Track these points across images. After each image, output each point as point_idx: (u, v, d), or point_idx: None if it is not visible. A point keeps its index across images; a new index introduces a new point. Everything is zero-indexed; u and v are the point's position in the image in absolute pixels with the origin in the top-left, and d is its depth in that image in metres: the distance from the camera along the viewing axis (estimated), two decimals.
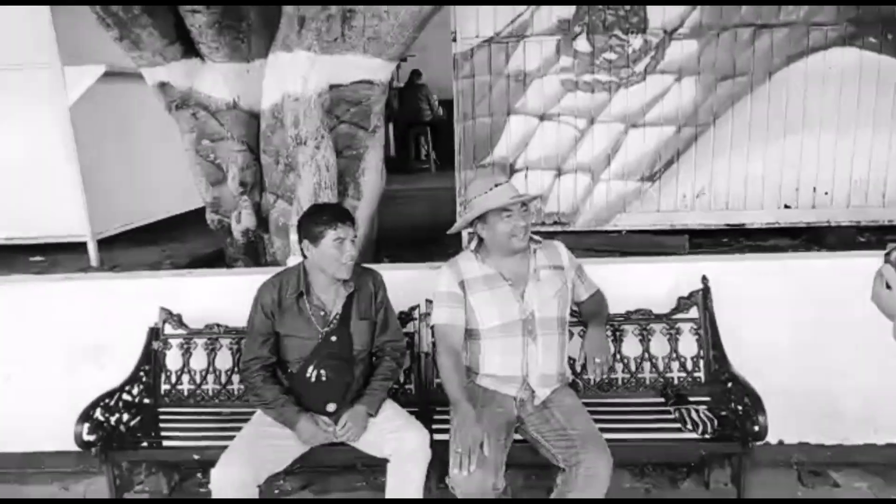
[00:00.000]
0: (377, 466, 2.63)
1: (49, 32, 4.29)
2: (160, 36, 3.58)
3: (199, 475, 3.26)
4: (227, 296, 3.21)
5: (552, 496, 2.42)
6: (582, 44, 4.36)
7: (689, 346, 3.03)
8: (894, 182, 4.36)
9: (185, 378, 3.15)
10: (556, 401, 2.59)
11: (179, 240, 5.33)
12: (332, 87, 3.59)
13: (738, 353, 2.88)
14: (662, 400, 2.94)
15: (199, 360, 3.15)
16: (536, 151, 4.52)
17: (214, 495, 2.37)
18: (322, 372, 2.56)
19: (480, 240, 2.66)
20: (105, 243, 4.75)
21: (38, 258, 4.81)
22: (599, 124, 4.45)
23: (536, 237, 2.70)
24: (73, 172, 4.46)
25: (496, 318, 2.57)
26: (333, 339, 2.60)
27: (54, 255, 4.82)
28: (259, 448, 2.48)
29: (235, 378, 3.13)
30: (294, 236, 3.58)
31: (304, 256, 2.59)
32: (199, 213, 4.35)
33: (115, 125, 5.01)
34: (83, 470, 3.37)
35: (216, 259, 4.36)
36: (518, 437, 2.57)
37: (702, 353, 3.01)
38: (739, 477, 2.66)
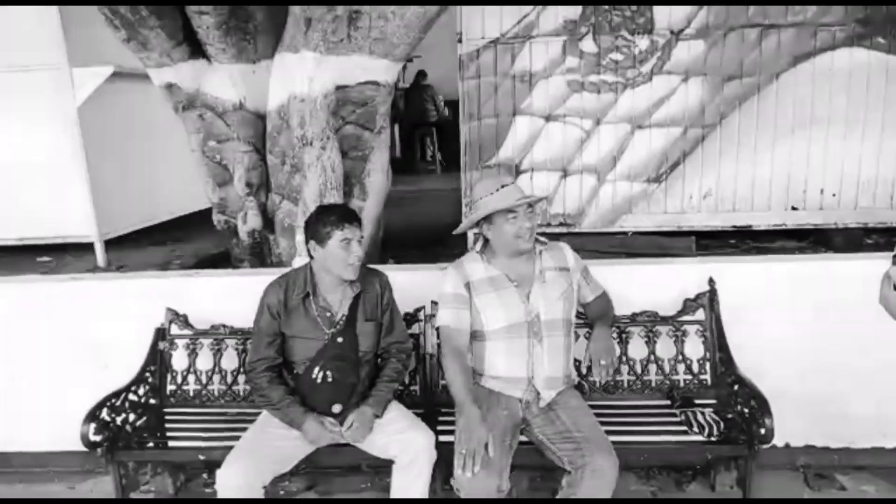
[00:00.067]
0: (382, 468, 2.62)
1: (58, 34, 4.31)
2: (167, 37, 3.60)
3: (204, 475, 3.28)
4: (233, 296, 3.22)
5: (557, 497, 2.41)
6: (588, 44, 4.34)
7: (695, 348, 3.02)
8: None
9: (191, 378, 3.16)
10: (562, 403, 2.58)
11: (185, 240, 5.35)
12: (338, 87, 3.59)
13: (744, 355, 2.87)
14: (668, 402, 2.94)
15: (204, 361, 3.17)
16: (542, 152, 4.50)
17: (220, 496, 2.37)
18: (328, 373, 2.57)
19: (486, 241, 2.66)
20: (112, 244, 4.76)
21: (45, 258, 4.82)
22: (605, 125, 4.44)
23: (542, 238, 2.70)
24: (81, 173, 4.48)
25: (502, 320, 2.56)
26: (339, 340, 2.60)
27: (61, 256, 4.84)
28: (264, 449, 2.49)
29: (241, 379, 3.14)
30: (300, 237, 3.60)
31: (311, 257, 2.60)
32: (205, 213, 4.36)
33: (122, 126, 5.03)
34: (89, 470, 3.39)
35: (222, 260, 4.37)
36: (523, 438, 2.57)
37: (708, 355, 3.01)
38: (745, 480, 2.65)
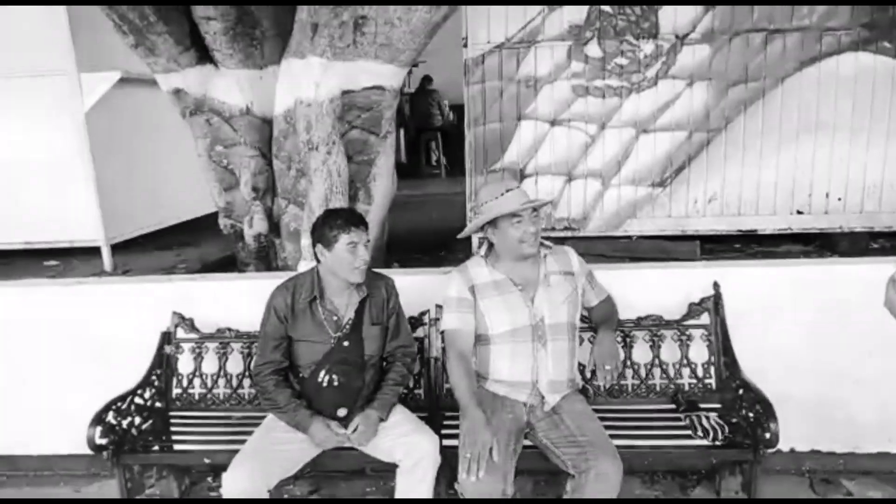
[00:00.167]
0: (386, 472, 2.62)
1: (66, 40, 4.35)
2: (175, 43, 3.63)
3: (209, 479, 3.29)
4: (239, 300, 3.24)
5: (562, 499, 2.41)
6: (593, 49, 4.36)
7: (700, 352, 3.01)
8: None
9: (197, 382, 3.17)
10: (566, 407, 2.58)
11: (192, 245, 5.37)
12: (343, 92, 3.61)
13: (749, 359, 2.86)
14: (673, 406, 2.93)
15: (210, 365, 3.17)
16: (547, 157, 4.51)
17: (225, 499, 2.38)
18: (334, 377, 2.57)
19: (490, 245, 2.66)
20: (118, 248, 4.79)
21: (52, 262, 4.85)
22: (610, 130, 4.44)
23: (547, 242, 2.70)
24: (88, 178, 4.51)
25: (506, 324, 2.57)
26: (346, 344, 2.61)
27: (68, 260, 4.87)
28: (270, 453, 2.49)
29: (246, 382, 3.15)
30: (305, 241, 3.62)
31: (318, 261, 2.61)
32: (212, 218, 4.38)
33: (129, 131, 5.06)
34: (95, 473, 3.40)
35: (228, 264, 4.39)
36: (527, 442, 2.57)
37: (713, 359, 3.00)
38: (750, 485, 2.64)
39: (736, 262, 3.74)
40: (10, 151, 4.63)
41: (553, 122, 4.47)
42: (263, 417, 2.72)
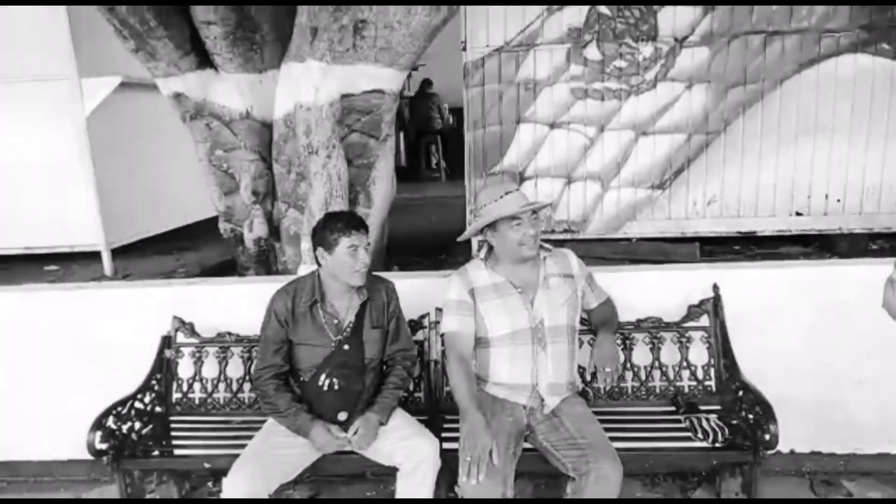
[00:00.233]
0: (386, 475, 2.63)
1: (67, 45, 4.36)
2: (175, 47, 3.64)
3: (209, 484, 3.28)
4: (239, 304, 3.24)
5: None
6: (592, 52, 4.36)
7: (699, 354, 3.02)
8: None
9: (197, 387, 3.17)
10: (566, 409, 2.58)
11: (192, 249, 5.38)
12: (343, 96, 3.61)
13: (749, 361, 2.86)
14: (673, 408, 2.93)
15: (210, 369, 3.18)
16: (546, 159, 4.52)
17: None
18: (334, 380, 2.57)
19: (490, 248, 2.66)
20: (118, 252, 4.80)
21: (52, 267, 4.86)
22: (609, 132, 4.45)
23: (546, 245, 2.70)
24: (89, 182, 4.52)
25: (506, 327, 2.57)
26: (346, 347, 2.61)
27: (68, 265, 4.88)
28: (270, 457, 2.49)
29: (247, 387, 3.15)
30: (306, 245, 3.62)
31: (319, 265, 2.61)
32: (212, 222, 4.39)
33: (129, 135, 5.07)
34: (95, 478, 3.41)
35: (228, 268, 4.39)
36: (527, 445, 2.57)
37: (712, 361, 3.00)
38: (751, 486, 2.64)
39: (735, 264, 3.74)
40: (10, 156, 4.64)
41: (552, 125, 4.48)
42: (264, 422, 2.72)
